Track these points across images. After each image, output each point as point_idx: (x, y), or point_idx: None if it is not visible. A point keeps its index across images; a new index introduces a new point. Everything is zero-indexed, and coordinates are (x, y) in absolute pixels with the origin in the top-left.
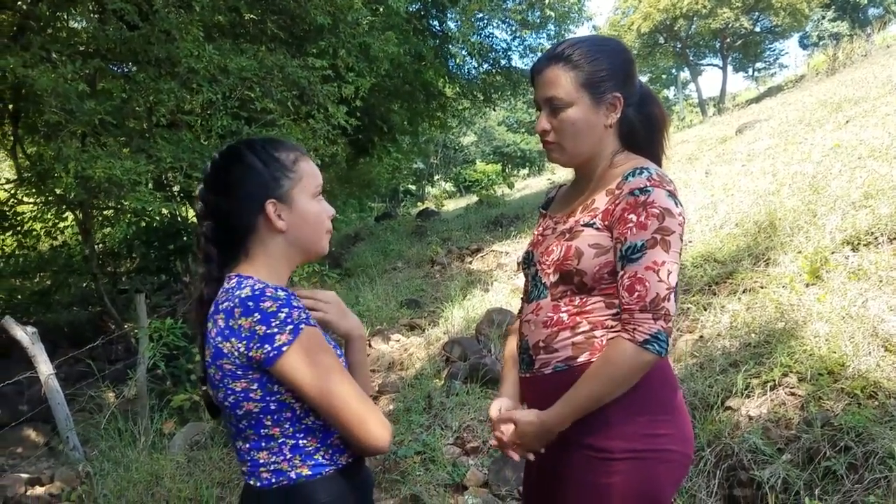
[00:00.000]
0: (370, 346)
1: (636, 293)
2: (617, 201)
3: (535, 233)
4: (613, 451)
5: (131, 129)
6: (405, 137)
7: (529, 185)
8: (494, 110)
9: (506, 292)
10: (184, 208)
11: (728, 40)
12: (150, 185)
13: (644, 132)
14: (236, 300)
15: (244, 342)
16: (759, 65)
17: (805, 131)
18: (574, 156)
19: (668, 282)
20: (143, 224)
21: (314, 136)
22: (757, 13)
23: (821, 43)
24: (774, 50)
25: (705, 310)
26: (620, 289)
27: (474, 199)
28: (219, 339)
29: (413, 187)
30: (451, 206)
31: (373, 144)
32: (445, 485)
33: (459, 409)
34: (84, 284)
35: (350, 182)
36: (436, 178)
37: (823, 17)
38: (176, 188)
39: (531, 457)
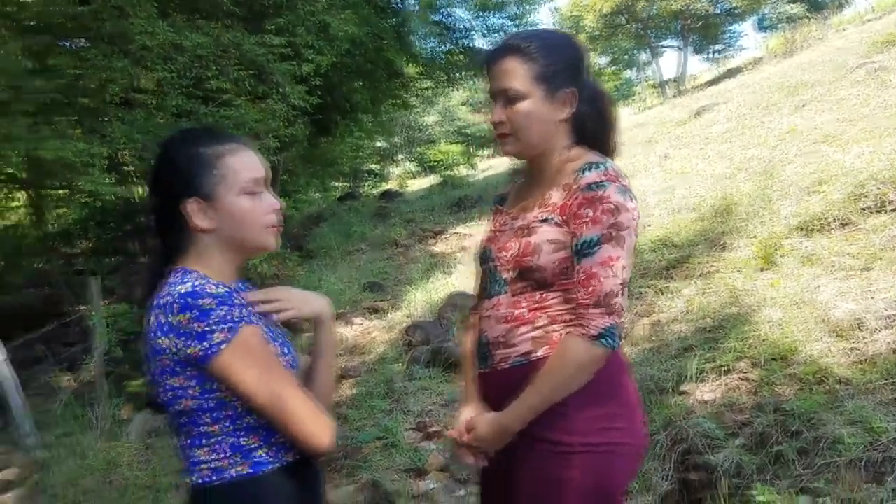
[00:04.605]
0: None
1: (590, 287)
2: (573, 196)
3: (491, 228)
4: (571, 445)
5: (83, 107)
6: (367, 116)
7: (493, 165)
8: (457, 90)
9: (468, 275)
10: (138, 189)
11: (688, 22)
12: (103, 166)
13: (595, 128)
14: (175, 295)
15: (181, 339)
16: (717, 46)
17: (761, 115)
18: (527, 148)
19: (620, 277)
20: (98, 205)
21: (272, 116)
22: None
23: (778, 25)
24: (733, 32)
25: (661, 294)
26: (575, 284)
27: (438, 179)
28: (157, 334)
29: (376, 167)
30: (414, 186)
31: (335, 124)
32: (406, 470)
33: (421, 394)
34: (38, 266)
35: (312, 161)
36: (399, 157)
37: None
38: (130, 168)
39: (485, 462)
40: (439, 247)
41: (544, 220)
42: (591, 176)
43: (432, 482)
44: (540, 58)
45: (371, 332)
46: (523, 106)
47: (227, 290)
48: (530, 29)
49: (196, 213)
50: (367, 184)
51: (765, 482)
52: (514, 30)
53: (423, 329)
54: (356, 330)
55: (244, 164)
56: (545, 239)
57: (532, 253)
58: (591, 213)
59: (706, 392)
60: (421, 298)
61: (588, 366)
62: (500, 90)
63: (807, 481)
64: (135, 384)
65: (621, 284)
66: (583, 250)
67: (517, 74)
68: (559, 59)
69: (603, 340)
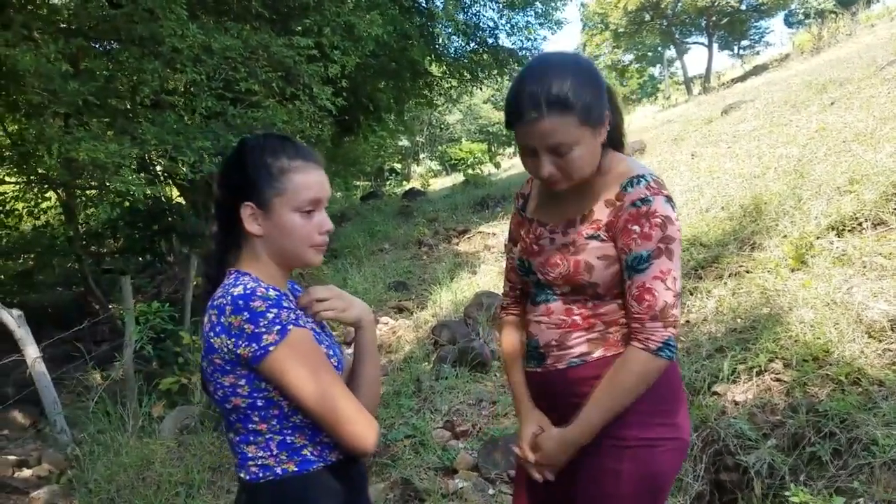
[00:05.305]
0: None
1: (645, 302)
2: (619, 213)
3: (527, 240)
4: (628, 438)
5: (114, 108)
6: (391, 115)
7: (515, 164)
8: (481, 89)
9: (493, 274)
10: (168, 190)
11: (714, 18)
12: (133, 167)
13: (615, 125)
14: (228, 297)
15: (233, 339)
16: (744, 43)
17: (790, 113)
18: (582, 179)
19: (674, 289)
20: (127, 205)
21: (300, 117)
22: None
23: (806, 21)
24: (760, 28)
25: (692, 294)
26: (629, 298)
27: (460, 178)
28: (211, 334)
29: (399, 166)
30: (436, 185)
31: (358, 123)
32: (436, 468)
33: (448, 393)
34: (68, 265)
35: (335, 161)
36: (421, 156)
37: None
38: (159, 169)
39: (550, 476)
40: (463, 246)
41: (592, 237)
42: (637, 191)
43: (462, 480)
44: (577, 101)
45: (397, 332)
46: (576, 153)
47: (279, 293)
48: (542, 66)
49: (248, 218)
50: (389, 183)
51: (798, 483)
52: (539, 28)
53: (449, 328)
54: (383, 329)
55: (306, 184)
56: (595, 256)
57: (585, 271)
58: (640, 230)
59: (738, 393)
60: (447, 297)
61: (649, 377)
62: (547, 147)
63: (842, 482)
64: (165, 382)
65: (675, 296)
66: (634, 266)
67: (563, 129)
68: (590, 91)
69: (663, 352)
